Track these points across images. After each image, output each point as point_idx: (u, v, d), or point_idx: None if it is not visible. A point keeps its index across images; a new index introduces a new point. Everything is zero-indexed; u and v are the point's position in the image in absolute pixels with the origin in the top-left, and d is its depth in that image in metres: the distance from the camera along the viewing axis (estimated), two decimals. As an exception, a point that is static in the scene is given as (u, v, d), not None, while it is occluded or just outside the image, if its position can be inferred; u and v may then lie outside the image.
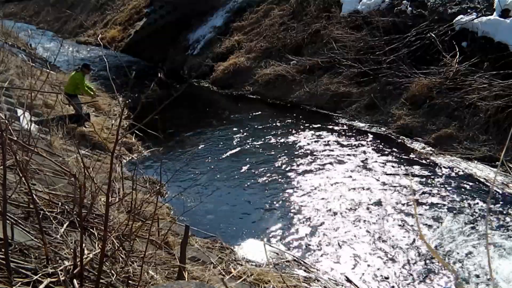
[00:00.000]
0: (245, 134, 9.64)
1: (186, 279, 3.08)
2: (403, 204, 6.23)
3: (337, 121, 10.11)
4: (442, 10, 10.49)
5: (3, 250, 2.15)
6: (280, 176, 7.31)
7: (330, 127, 9.69)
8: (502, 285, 4.47)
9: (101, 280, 2.39)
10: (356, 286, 4.58)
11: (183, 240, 3.18)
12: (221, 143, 9.18)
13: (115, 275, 2.58)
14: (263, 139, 9.20)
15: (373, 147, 8.39)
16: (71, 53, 18.56)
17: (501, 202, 6.14)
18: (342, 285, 4.59)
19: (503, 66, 8.51)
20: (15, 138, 3.16)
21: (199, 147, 8.91)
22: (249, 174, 7.49)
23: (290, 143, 8.83)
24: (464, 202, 6.25)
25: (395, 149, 8.26)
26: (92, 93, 9.00)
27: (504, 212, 5.88)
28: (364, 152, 8.15)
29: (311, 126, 9.75)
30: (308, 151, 8.33)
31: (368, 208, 6.16)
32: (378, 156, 7.94)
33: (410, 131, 8.87)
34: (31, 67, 8.32)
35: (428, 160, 7.67)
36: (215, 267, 3.98)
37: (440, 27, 10.11)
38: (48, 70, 6.27)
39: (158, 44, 17.99)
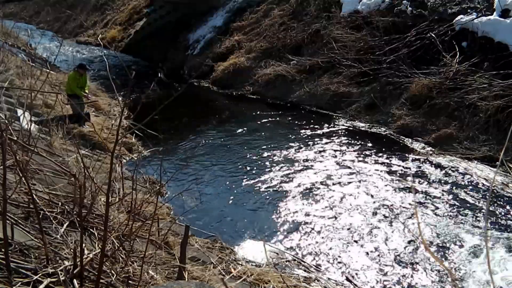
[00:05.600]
0: (245, 134, 9.64)
1: (186, 279, 3.07)
2: (403, 204, 6.23)
3: (337, 121, 10.11)
4: (442, 10, 10.49)
5: (3, 250, 2.15)
6: (280, 176, 7.31)
7: (330, 127, 9.69)
8: (502, 286, 4.47)
9: (101, 280, 2.39)
10: (356, 286, 4.58)
11: (183, 240, 3.18)
12: (221, 143, 9.18)
13: (115, 275, 2.58)
14: (263, 139, 9.20)
15: (373, 147, 8.39)
16: (71, 53, 18.57)
17: (501, 202, 6.14)
18: (342, 285, 4.59)
19: (503, 66, 8.51)
20: (15, 138, 3.16)
21: (199, 147, 8.91)
22: (249, 174, 7.49)
23: (290, 143, 8.82)
24: (464, 202, 6.25)
25: (395, 149, 8.26)
26: (81, 92, 8.85)
27: (504, 212, 5.88)
28: (364, 152, 8.15)
29: (311, 126, 9.75)
30: (308, 151, 8.33)
31: (368, 208, 6.16)
32: (378, 156, 7.94)
33: (410, 131, 8.87)
34: (31, 67, 8.32)
35: (428, 160, 7.66)
36: (215, 267, 3.98)
37: (440, 27, 10.11)
38: (48, 70, 6.27)
39: (158, 44, 18.00)
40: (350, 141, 8.76)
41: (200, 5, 18.09)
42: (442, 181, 6.88)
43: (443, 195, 6.47)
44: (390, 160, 7.75)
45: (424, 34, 10.30)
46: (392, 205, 6.23)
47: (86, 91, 9.23)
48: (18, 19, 26.52)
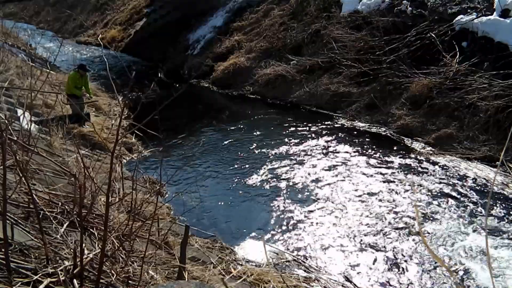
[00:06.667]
0: (244, 134, 9.64)
1: (186, 279, 3.07)
2: (403, 204, 6.22)
3: (337, 121, 10.11)
4: (442, 10, 10.49)
5: (3, 250, 2.15)
6: (280, 177, 7.31)
7: (330, 127, 9.69)
8: (502, 285, 4.47)
9: (101, 280, 2.39)
10: (356, 286, 4.58)
11: (183, 240, 3.18)
12: (221, 143, 9.18)
13: (115, 275, 2.58)
14: (263, 140, 9.20)
15: (373, 147, 8.39)
16: (71, 53, 18.57)
17: (501, 202, 6.14)
18: (342, 285, 4.59)
19: (503, 66, 8.51)
20: (15, 138, 3.16)
21: (199, 147, 8.91)
22: (249, 174, 7.49)
23: (290, 143, 8.82)
24: (464, 202, 6.25)
25: (395, 149, 8.26)
26: (80, 92, 8.85)
27: (504, 212, 5.88)
28: (364, 152, 8.15)
29: (311, 126, 9.75)
30: (308, 152, 8.32)
31: (368, 208, 6.16)
32: (378, 156, 7.94)
33: (410, 131, 8.87)
34: (31, 67, 8.31)
35: (428, 160, 7.66)
36: (215, 267, 3.98)
37: (440, 27, 10.11)
38: (48, 70, 6.26)
39: (158, 44, 17.99)
40: (350, 141, 8.76)
41: (200, 5, 18.09)
42: (442, 181, 6.88)
43: (443, 194, 6.47)
44: (390, 160, 7.74)
45: (424, 34, 10.30)
46: (392, 204, 6.22)
47: (91, 94, 9.27)
48: (18, 19, 26.49)
